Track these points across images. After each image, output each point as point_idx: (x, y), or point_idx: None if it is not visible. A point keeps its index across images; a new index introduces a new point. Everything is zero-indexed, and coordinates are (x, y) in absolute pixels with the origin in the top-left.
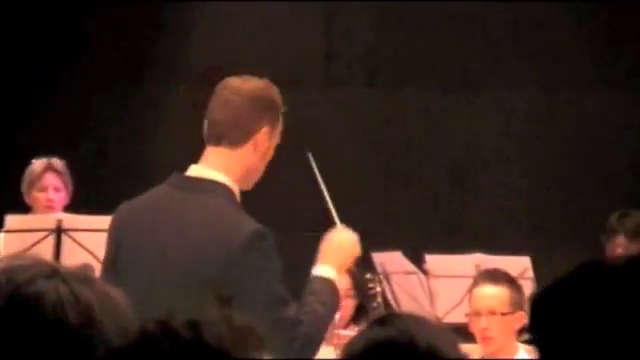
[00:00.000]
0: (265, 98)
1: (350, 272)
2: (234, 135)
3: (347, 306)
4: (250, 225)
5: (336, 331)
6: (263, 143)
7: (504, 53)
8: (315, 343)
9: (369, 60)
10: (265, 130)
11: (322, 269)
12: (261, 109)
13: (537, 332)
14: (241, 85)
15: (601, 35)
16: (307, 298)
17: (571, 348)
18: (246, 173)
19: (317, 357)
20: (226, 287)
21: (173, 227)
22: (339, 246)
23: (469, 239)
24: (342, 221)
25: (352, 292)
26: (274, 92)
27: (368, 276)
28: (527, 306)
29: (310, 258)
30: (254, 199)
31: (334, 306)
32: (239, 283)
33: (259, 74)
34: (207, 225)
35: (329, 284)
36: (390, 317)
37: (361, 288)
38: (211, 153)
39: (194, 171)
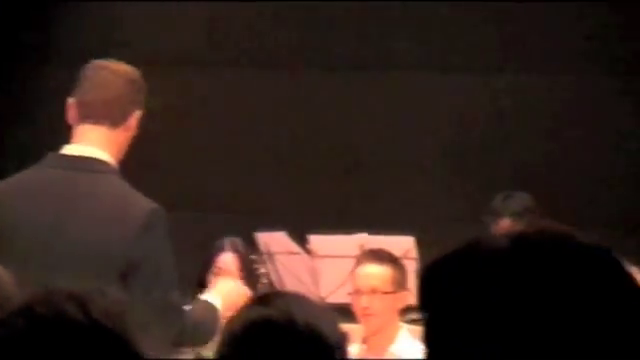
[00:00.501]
0: (139, 81)
1: (239, 253)
2: (116, 115)
3: None
4: (148, 204)
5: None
6: (134, 125)
7: (395, 32)
8: (199, 338)
9: (254, 40)
10: (137, 112)
11: (210, 296)
12: (137, 91)
13: (424, 308)
14: (118, 67)
15: None
16: (195, 305)
17: (459, 324)
18: (118, 153)
19: None
20: (125, 265)
21: (64, 206)
22: (229, 291)
23: (354, 220)
24: (228, 202)
25: (240, 274)
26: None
27: (254, 257)
28: (413, 284)
29: (215, 237)
30: (157, 178)
31: (215, 325)
32: (138, 261)
33: (142, 54)
34: (103, 203)
35: (214, 308)
36: (269, 296)
37: (248, 270)
38: (89, 132)
39: (73, 150)
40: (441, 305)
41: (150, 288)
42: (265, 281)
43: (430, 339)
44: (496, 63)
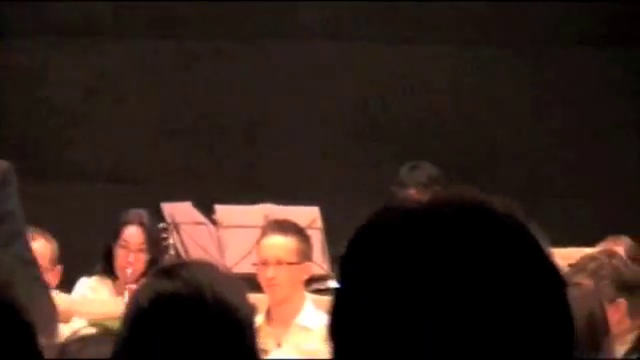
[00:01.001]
0: None
1: (144, 226)
2: None
3: (140, 260)
4: (1, 162)
5: (127, 286)
6: None
7: (294, 4)
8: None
9: (160, 11)
10: None
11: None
12: None
13: (340, 280)
14: None
15: None
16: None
17: (370, 294)
18: None
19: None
20: None
21: None
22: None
23: (260, 190)
24: (134, 173)
25: (145, 246)
26: None
27: (161, 226)
28: (319, 254)
29: (122, 208)
30: (66, 150)
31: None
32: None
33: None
34: None
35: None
36: (176, 267)
37: (154, 242)
38: None
39: None
40: (354, 275)
41: (9, 243)
42: (171, 252)
43: (341, 310)
44: (402, 34)
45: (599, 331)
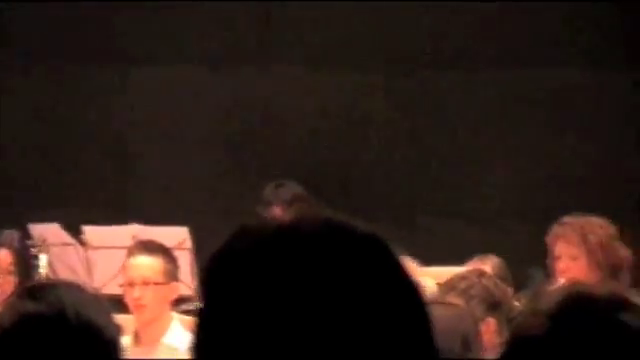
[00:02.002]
0: None
1: (12, 248)
2: None
3: (8, 282)
4: None
5: None
6: None
7: (170, 26)
8: None
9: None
10: None
11: None
12: None
13: (202, 300)
14: None
15: None
16: None
17: (228, 314)
18: None
19: None
20: None
21: None
22: None
23: (129, 212)
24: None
25: (14, 268)
26: None
27: (32, 249)
28: (188, 274)
29: None
30: None
31: None
32: None
33: None
34: None
35: None
36: (39, 288)
37: (24, 264)
38: None
39: None
40: (214, 296)
41: None
42: (41, 272)
43: (202, 330)
44: (271, 55)
45: (474, 350)
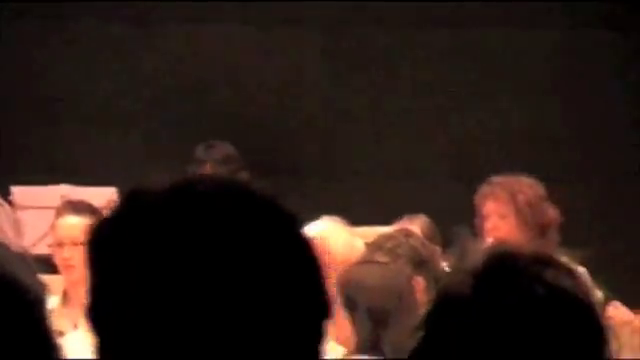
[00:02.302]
0: None
1: None
2: None
3: None
4: None
5: None
6: None
7: None
8: None
9: None
10: None
11: None
12: None
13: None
14: None
15: None
16: None
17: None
18: None
19: None
20: None
21: None
22: None
23: (57, 171)
24: None
25: None
26: None
27: None
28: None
29: None
30: None
31: None
32: None
33: None
34: None
35: None
36: None
37: None
38: None
39: None
40: (104, 265)
41: None
42: None
43: (95, 300)
44: (197, 13)
45: (410, 307)
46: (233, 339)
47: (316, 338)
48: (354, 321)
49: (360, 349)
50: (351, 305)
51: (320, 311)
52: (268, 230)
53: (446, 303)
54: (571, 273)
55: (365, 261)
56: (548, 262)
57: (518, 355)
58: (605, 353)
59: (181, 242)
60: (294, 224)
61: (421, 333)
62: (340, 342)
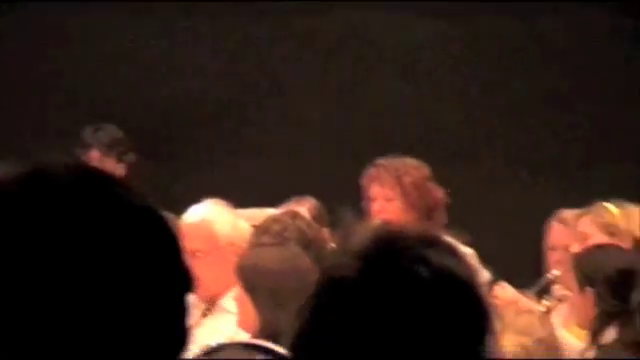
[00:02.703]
0: None
1: None
2: None
3: None
4: None
5: None
6: None
7: None
8: None
9: None
10: None
11: None
12: None
13: None
14: None
15: None
16: None
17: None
18: None
19: None
20: None
21: None
22: None
23: None
24: None
25: None
26: None
27: None
28: None
29: None
30: None
31: None
32: None
33: None
34: None
35: None
36: None
37: None
38: None
39: None
40: None
41: None
42: None
43: None
44: None
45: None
46: (94, 316)
47: (180, 311)
48: (256, 304)
49: (263, 332)
50: (252, 288)
51: (181, 285)
52: (120, 211)
53: (330, 285)
54: (455, 253)
55: (260, 244)
56: (432, 243)
57: (403, 335)
58: (489, 333)
59: (32, 231)
60: (145, 203)
61: (306, 314)
62: (243, 327)
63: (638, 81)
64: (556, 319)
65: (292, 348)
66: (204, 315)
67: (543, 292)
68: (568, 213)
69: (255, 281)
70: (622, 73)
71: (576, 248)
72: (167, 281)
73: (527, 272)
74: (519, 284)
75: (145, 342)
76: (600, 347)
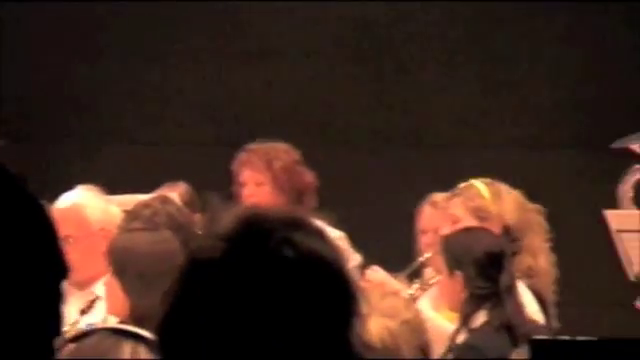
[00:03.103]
0: None
1: None
2: None
3: None
4: None
5: None
6: None
7: None
8: None
9: None
10: None
11: None
12: None
13: None
14: None
15: None
16: None
17: None
18: None
19: None
20: None
21: None
22: None
23: None
24: None
25: None
26: None
27: None
28: None
29: None
30: None
31: None
32: None
33: None
34: None
35: None
36: None
37: None
38: None
39: None
40: None
41: None
42: None
43: None
44: None
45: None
46: None
47: (55, 297)
48: (125, 289)
49: (132, 316)
50: (121, 272)
51: (57, 272)
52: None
53: (196, 267)
54: (321, 236)
55: (131, 229)
56: (298, 225)
57: (268, 317)
58: (354, 315)
59: None
60: (22, 190)
61: (171, 297)
62: (113, 312)
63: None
64: (428, 302)
65: (158, 332)
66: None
67: (414, 275)
68: (439, 195)
69: (124, 265)
70: None
71: (445, 231)
72: (43, 268)
73: (401, 256)
74: (394, 268)
75: (23, 327)
76: (470, 330)
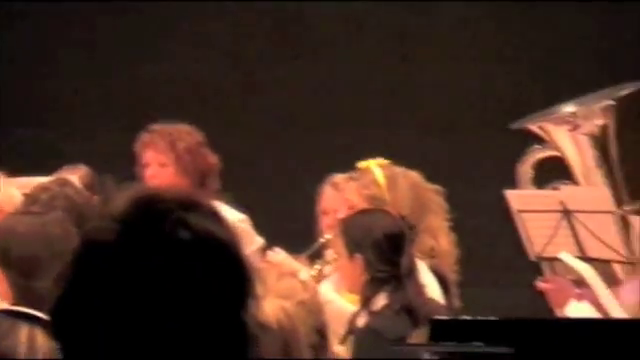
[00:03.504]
0: None
1: None
2: None
3: None
4: None
5: None
6: None
7: None
8: None
9: None
10: None
11: None
12: None
13: None
14: None
15: None
16: None
17: None
18: None
19: None
20: None
21: None
22: None
23: None
24: None
25: None
26: None
27: None
28: None
29: None
30: None
31: None
32: None
33: None
34: None
35: None
36: None
37: None
38: None
39: None
40: None
41: None
42: None
43: None
44: None
45: (65, 258)
46: None
47: None
48: (8, 276)
49: (15, 300)
50: (2, 258)
51: None
52: None
53: (89, 249)
54: (216, 217)
55: (20, 212)
56: (193, 206)
57: (162, 299)
58: (250, 296)
59: None
60: None
61: (64, 280)
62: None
63: None
64: (330, 283)
65: (51, 314)
66: None
67: (315, 256)
68: (339, 177)
69: (6, 247)
70: None
71: (343, 213)
72: None
73: (303, 237)
74: (297, 250)
75: None
76: (371, 313)
